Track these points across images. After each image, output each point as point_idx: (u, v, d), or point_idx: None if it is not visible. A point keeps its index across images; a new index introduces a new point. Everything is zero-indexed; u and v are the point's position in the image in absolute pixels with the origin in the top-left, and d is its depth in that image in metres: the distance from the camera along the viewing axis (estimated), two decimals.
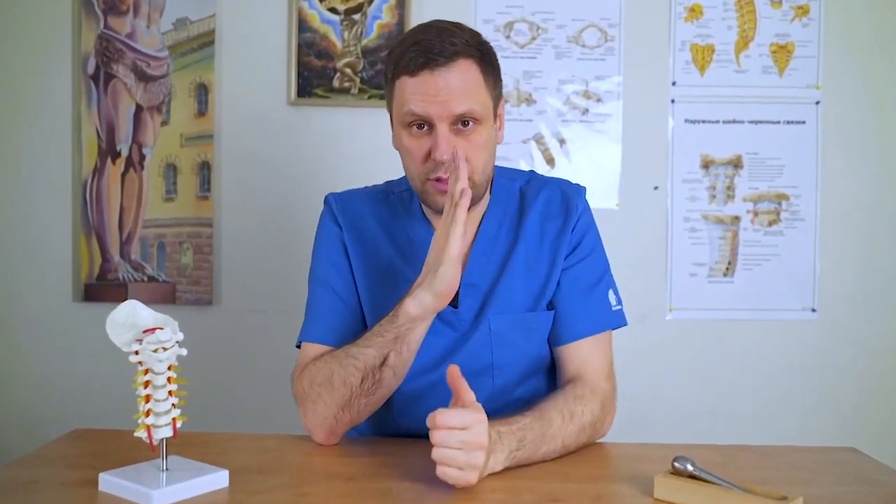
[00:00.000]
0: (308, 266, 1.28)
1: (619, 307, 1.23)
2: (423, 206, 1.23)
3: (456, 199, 1.04)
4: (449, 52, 1.09)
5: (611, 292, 1.23)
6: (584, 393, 1.14)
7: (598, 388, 1.16)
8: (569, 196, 1.26)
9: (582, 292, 1.21)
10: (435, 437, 0.93)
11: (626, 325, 1.24)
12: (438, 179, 1.12)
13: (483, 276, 1.21)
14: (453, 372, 0.96)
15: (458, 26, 1.14)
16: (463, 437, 0.92)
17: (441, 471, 0.93)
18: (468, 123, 1.11)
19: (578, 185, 1.29)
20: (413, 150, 1.13)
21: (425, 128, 1.12)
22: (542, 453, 1.05)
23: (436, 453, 0.93)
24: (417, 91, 1.10)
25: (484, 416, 0.95)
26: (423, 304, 1.06)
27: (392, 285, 1.18)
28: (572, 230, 1.23)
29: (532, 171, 1.33)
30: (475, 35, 1.15)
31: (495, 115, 1.18)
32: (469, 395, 0.96)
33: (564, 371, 1.21)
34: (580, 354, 1.19)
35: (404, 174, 1.22)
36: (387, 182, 1.33)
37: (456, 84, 1.09)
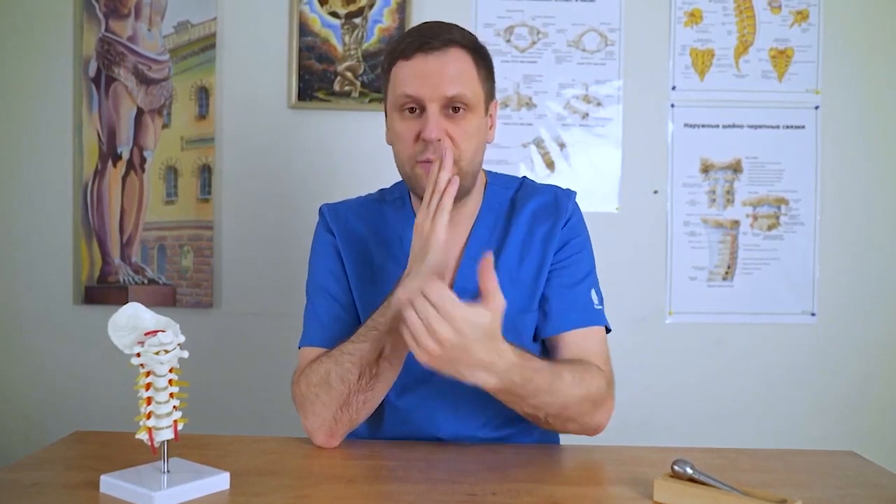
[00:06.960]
0: (307, 270, 1.28)
1: (600, 307, 1.23)
2: (414, 208, 1.25)
3: (441, 186, 1.06)
4: (444, 39, 1.14)
5: (593, 291, 1.23)
6: (592, 368, 1.13)
7: (603, 370, 1.16)
8: (559, 198, 1.27)
9: (568, 287, 1.21)
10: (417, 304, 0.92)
11: (606, 324, 1.22)
12: (427, 161, 1.14)
13: (475, 281, 1.20)
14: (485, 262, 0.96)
15: (455, 25, 1.19)
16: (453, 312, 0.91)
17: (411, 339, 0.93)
18: (458, 109, 1.14)
19: (569, 189, 1.30)
20: (403, 132, 1.16)
21: (417, 111, 1.15)
22: (540, 401, 1.05)
23: (409, 319, 0.92)
24: (411, 73, 1.14)
25: (492, 309, 0.94)
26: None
27: (385, 288, 1.18)
28: (562, 228, 1.24)
29: (524, 177, 1.34)
30: (471, 34, 1.19)
31: (487, 112, 1.20)
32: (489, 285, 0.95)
33: (563, 357, 1.19)
34: (576, 341, 1.19)
35: (396, 182, 1.22)
36: (380, 190, 1.35)
37: (448, 69, 1.13)
